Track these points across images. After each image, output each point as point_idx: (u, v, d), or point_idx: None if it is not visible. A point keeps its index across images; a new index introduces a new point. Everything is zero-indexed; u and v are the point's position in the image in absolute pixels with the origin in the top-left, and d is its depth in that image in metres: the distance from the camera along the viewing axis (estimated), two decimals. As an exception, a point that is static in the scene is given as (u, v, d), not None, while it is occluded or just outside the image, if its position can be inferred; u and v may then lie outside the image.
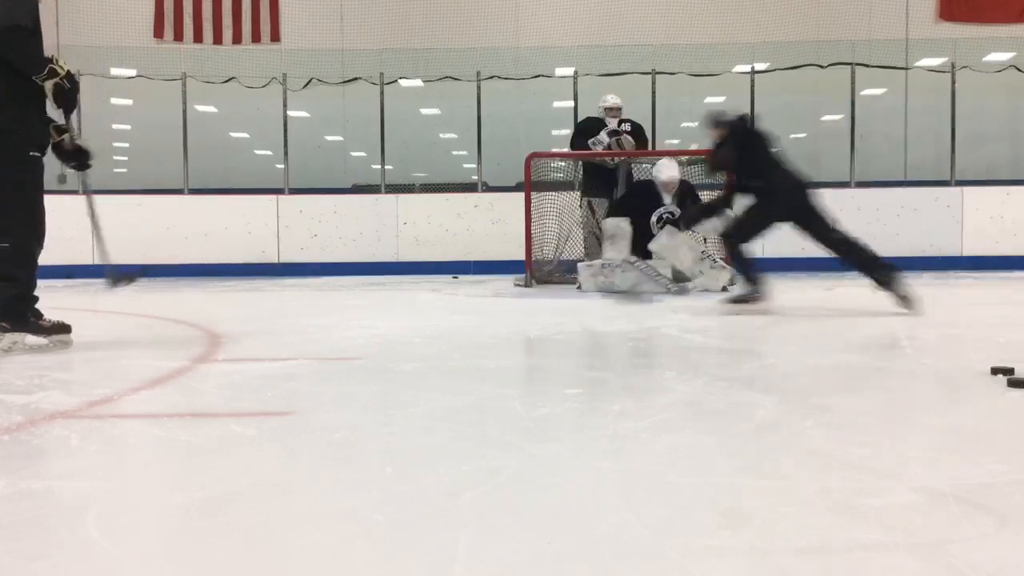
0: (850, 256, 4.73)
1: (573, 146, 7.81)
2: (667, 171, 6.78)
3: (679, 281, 6.31)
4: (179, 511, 1.49)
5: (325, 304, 5.90)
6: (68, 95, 3.49)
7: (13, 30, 3.33)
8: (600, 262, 6.40)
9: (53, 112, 3.59)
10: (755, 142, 4.88)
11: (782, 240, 9.21)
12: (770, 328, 4.26)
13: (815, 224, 4.77)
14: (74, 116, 3.73)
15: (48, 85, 3.41)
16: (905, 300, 4.52)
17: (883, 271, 4.63)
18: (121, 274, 4.05)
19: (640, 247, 6.50)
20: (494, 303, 5.71)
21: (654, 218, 6.78)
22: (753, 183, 4.86)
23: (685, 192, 6.91)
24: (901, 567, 1.19)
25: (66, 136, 3.67)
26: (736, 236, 4.91)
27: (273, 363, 3.17)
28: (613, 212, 6.91)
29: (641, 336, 3.92)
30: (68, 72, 3.48)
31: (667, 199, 6.78)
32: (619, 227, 6.48)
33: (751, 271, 4.85)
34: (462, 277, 6.62)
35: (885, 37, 10.87)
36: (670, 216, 6.74)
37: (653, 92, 9.73)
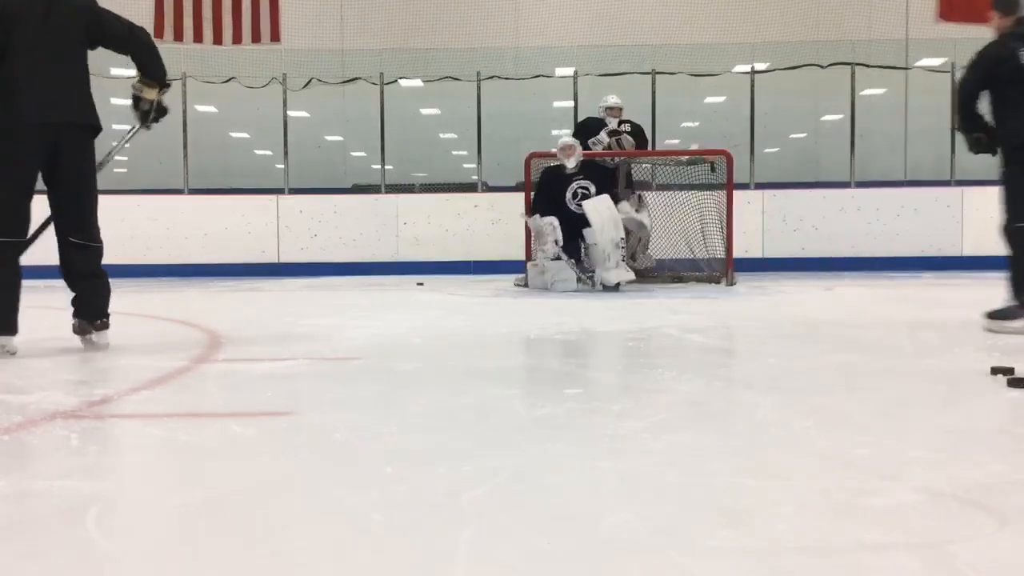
0: None
1: (573, 146, 7.80)
2: (562, 140, 6.87)
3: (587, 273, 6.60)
4: (179, 511, 1.49)
5: (325, 304, 5.90)
6: (160, 113, 3.69)
7: (145, 31, 3.41)
8: (541, 261, 6.66)
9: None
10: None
11: (783, 240, 9.28)
12: (770, 328, 4.26)
13: None
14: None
15: (159, 96, 3.56)
16: None
17: None
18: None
19: (563, 229, 6.59)
20: (494, 303, 5.71)
21: (568, 195, 6.79)
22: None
23: (603, 172, 6.98)
24: (901, 567, 1.19)
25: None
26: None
27: (273, 363, 3.16)
28: (536, 207, 6.92)
29: (641, 336, 3.92)
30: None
31: (571, 164, 6.75)
32: (542, 225, 6.64)
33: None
34: (461, 277, 6.61)
35: (885, 37, 10.85)
36: (583, 191, 6.77)
37: (653, 92, 9.73)
